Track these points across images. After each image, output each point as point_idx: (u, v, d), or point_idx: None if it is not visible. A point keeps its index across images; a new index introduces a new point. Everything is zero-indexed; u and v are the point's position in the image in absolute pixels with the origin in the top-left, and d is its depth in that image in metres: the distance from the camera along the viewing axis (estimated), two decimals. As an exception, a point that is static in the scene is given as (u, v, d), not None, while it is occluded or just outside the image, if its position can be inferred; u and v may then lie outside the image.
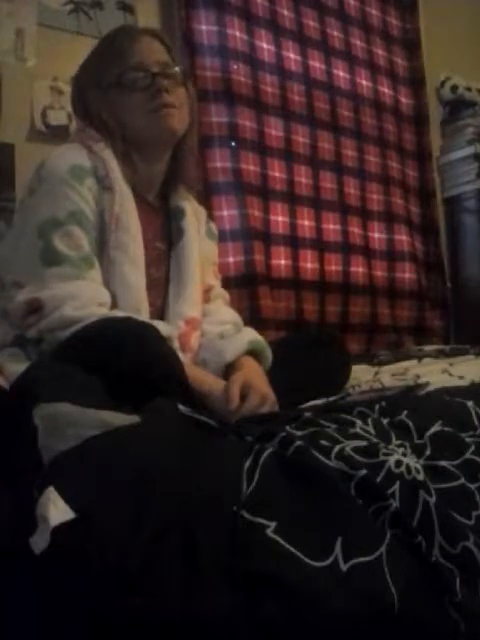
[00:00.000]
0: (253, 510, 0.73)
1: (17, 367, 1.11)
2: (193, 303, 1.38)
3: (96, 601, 0.65)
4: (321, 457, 0.83)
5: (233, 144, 2.22)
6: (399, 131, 2.78)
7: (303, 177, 2.44)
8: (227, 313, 1.50)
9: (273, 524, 0.73)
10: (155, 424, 0.84)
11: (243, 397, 1.15)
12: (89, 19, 2.06)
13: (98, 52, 1.38)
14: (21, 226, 1.24)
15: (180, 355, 1.22)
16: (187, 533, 0.69)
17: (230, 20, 2.26)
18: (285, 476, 0.80)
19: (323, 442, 0.86)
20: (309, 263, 2.42)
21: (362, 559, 0.73)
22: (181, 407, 0.92)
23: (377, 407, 1.02)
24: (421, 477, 0.85)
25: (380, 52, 2.76)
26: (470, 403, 1.08)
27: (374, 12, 2.77)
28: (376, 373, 1.72)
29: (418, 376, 1.53)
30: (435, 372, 1.60)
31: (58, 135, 1.91)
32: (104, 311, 1.18)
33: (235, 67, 2.25)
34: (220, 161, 2.21)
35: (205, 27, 2.22)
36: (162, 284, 1.38)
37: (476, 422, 1.04)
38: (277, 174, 2.37)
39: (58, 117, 1.97)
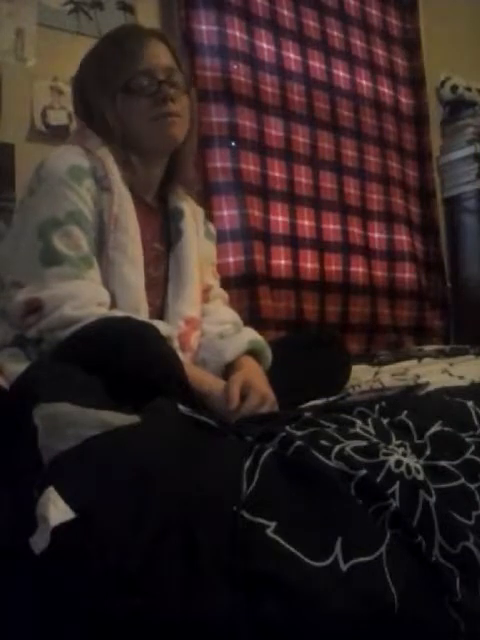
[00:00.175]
0: (253, 510, 0.73)
1: (17, 367, 1.11)
2: (192, 303, 1.38)
3: (96, 601, 0.65)
4: (321, 457, 0.83)
5: (233, 144, 2.23)
6: (399, 131, 2.78)
7: (303, 177, 2.44)
8: (226, 313, 1.50)
9: (273, 524, 0.73)
10: (155, 424, 0.84)
11: (243, 397, 1.15)
12: (89, 19, 2.06)
13: (104, 52, 1.35)
14: (20, 226, 1.25)
15: (180, 355, 1.22)
16: (187, 533, 0.69)
17: (230, 20, 2.26)
18: (285, 476, 0.80)
19: (323, 442, 0.86)
20: (309, 263, 2.42)
21: (362, 559, 0.73)
22: (181, 407, 0.92)
23: (377, 407, 1.02)
24: (421, 477, 0.85)
25: (380, 52, 2.76)
26: (470, 403, 1.08)
27: (374, 12, 2.77)
28: (376, 373, 1.72)
29: (418, 376, 1.53)
30: (435, 372, 1.60)
31: (58, 135, 1.91)
32: (104, 311, 1.18)
33: (235, 67, 2.25)
34: (220, 161, 2.21)
35: (205, 27, 2.22)
36: (161, 284, 1.38)
37: (476, 422, 1.04)
38: (277, 174, 2.37)
39: (58, 117, 1.97)
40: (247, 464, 0.79)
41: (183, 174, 1.45)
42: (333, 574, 0.71)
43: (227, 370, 1.29)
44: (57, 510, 0.67)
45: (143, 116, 1.30)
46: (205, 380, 1.20)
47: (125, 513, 0.68)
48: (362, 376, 1.66)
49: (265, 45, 2.38)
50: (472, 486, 0.91)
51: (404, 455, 0.88)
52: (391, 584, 0.73)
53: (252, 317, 2.08)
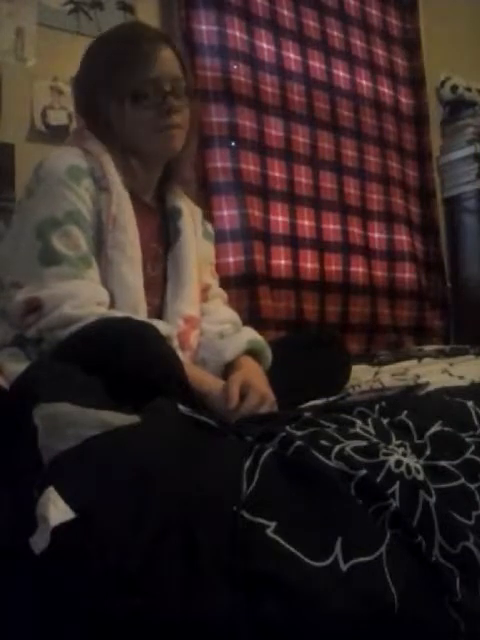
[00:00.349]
0: (253, 510, 0.73)
1: (17, 367, 1.11)
2: (191, 302, 1.38)
3: (96, 601, 0.65)
4: (321, 457, 0.83)
5: (233, 144, 2.22)
6: (399, 131, 2.78)
7: (303, 177, 2.44)
8: (226, 312, 1.50)
9: (273, 524, 0.73)
10: (155, 424, 0.84)
11: (242, 397, 1.15)
12: (89, 19, 2.06)
13: (114, 54, 1.31)
14: (19, 226, 1.25)
15: (179, 354, 1.22)
16: (187, 533, 0.69)
17: (230, 20, 2.26)
18: (285, 476, 0.80)
19: (323, 442, 0.86)
20: (309, 263, 2.42)
21: (362, 559, 0.73)
22: (181, 407, 0.92)
23: (377, 407, 1.02)
24: (421, 477, 0.85)
25: (380, 52, 2.76)
26: (470, 403, 1.08)
27: (374, 12, 2.77)
28: (376, 373, 1.72)
29: (418, 376, 1.53)
30: (435, 372, 1.61)
31: (58, 135, 1.91)
32: (103, 310, 1.18)
33: (235, 67, 2.25)
34: (220, 161, 2.21)
35: (205, 27, 2.22)
36: (159, 283, 1.38)
37: (476, 422, 1.04)
38: (277, 174, 2.37)
39: (58, 117, 1.97)
40: (247, 464, 0.79)
41: (181, 174, 1.45)
42: (333, 574, 0.71)
43: (226, 370, 1.30)
44: (57, 510, 0.67)
45: (146, 126, 1.30)
46: (205, 380, 1.20)
47: (125, 513, 0.68)
48: (362, 376, 1.66)
49: (265, 45, 2.38)
50: (472, 486, 0.91)
51: (404, 455, 0.88)
52: (391, 584, 0.73)
53: (252, 317, 2.08)
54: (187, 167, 1.46)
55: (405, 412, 1.00)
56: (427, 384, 1.31)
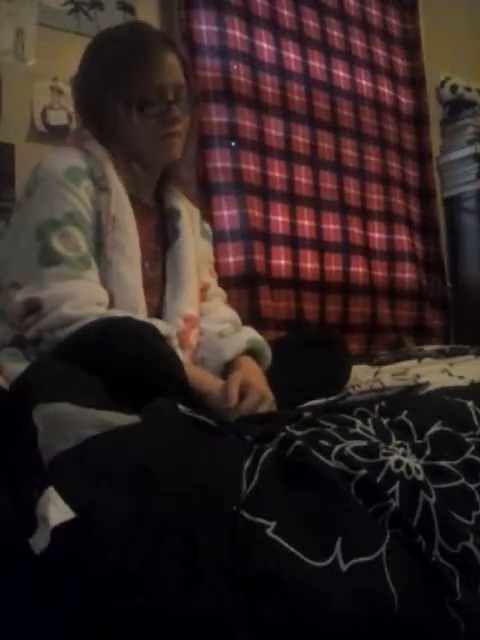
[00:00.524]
0: (253, 510, 0.73)
1: (17, 367, 1.11)
2: (190, 301, 1.39)
3: (96, 601, 0.65)
4: (321, 457, 0.83)
5: (233, 144, 2.22)
6: (399, 131, 2.78)
7: (303, 177, 2.44)
8: (225, 311, 1.50)
9: (273, 524, 0.73)
10: (155, 424, 0.84)
11: (242, 396, 1.15)
12: (89, 19, 2.06)
13: (121, 59, 1.29)
14: (18, 227, 1.25)
15: (179, 353, 1.22)
16: (187, 533, 0.69)
17: (230, 20, 2.26)
18: (285, 476, 0.80)
19: (323, 442, 0.86)
20: (309, 263, 2.42)
21: (362, 559, 0.73)
22: (181, 407, 0.92)
23: (377, 407, 1.02)
24: (421, 477, 0.85)
25: (380, 52, 2.76)
26: (470, 403, 1.08)
27: (374, 12, 2.77)
28: (376, 373, 1.72)
29: (418, 376, 1.53)
30: (435, 372, 1.61)
31: (58, 135, 1.91)
32: (103, 310, 1.19)
33: (235, 67, 2.25)
34: (220, 161, 2.21)
35: (205, 27, 2.22)
36: (158, 283, 1.39)
37: (476, 422, 1.04)
38: (277, 174, 2.37)
39: (58, 117, 1.97)
40: (247, 464, 0.79)
41: (179, 175, 1.46)
42: (333, 574, 0.71)
43: (226, 369, 1.30)
44: (57, 510, 0.67)
45: (149, 133, 1.30)
46: (204, 379, 1.20)
47: (125, 513, 0.68)
48: (362, 376, 1.66)
49: (265, 45, 2.38)
50: (472, 486, 0.91)
51: (404, 455, 0.88)
52: (391, 584, 0.73)
53: (252, 317, 2.08)
54: (185, 168, 1.46)
55: (405, 412, 1.00)
56: (427, 384, 1.31)
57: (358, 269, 2.54)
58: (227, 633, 0.66)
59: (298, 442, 0.84)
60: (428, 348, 2.28)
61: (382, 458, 0.85)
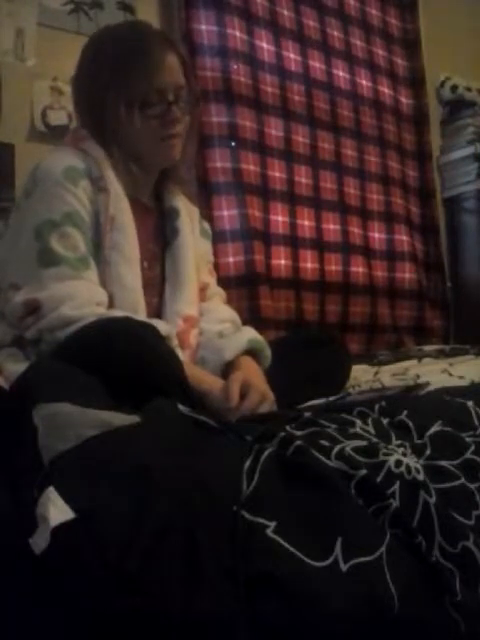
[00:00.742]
0: (253, 510, 0.73)
1: (16, 367, 1.11)
2: (190, 301, 1.38)
3: (96, 601, 0.65)
4: (321, 457, 0.83)
5: (233, 144, 2.23)
6: (399, 131, 2.78)
7: (303, 177, 2.44)
8: (225, 311, 1.50)
9: (273, 524, 0.73)
10: (155, 424, 0.84)
11: (242, 396, 1.15)
12: (89, 19, 2.06)
13: (124, 57, 1.28)
14: (17, 228, 1.25)
15: (179, 353, 1.22)
16: (187, 533, 0.69)
17: (230, 20, 2.26)
18: (285, 476, 0.80)
19: (323, 442, 0.86)
20: (309, 263, 2.42)
21: (362, 559, 0.73)
22: (181, 407, 0.92)
23: (377, 407, 1.02)
24: (421, 477, 0.85)
25: (380, 52, 2.76)
26: (470, 403, 1.08)
27: (374, 12, 2.77)
28: (376, 373, 1.72)
29: (418, 376, 1.53)
30: (435, 372, 1.61)
31: (58, 135, 1.91)
32: (102, 310, 1.19)
33: (235, 67, 2.25)
34: (220, 161, 2.21)
35: (205, 27, 2.23)
36: (158, 283, 1.38)
37: (476, 422, 1.04)
38: (277, 174, 2.37)
39: (58, 117, 1.97)
40: (247, 464, 0.79)
41: (178, 175, 1.46)
42: (333, 574, 0.71)
43: (226, 369, 1.30)
44: (57, 510, 0.67)
45: (149, 134, 1.30)
46: (204, 379, 1.20)
47: (125, 513, 0.68)
48: (362, 376, 1.66)
49: (265, 45, 2.38)
50: (472, 486, 0.91)
51: (404, 455, 0.88)
52: (391, 584, 0.73)
53: (252, 317, 2.08)
54: (184, 168, 1.47)
55: (405, 412, 1.00)
56: (427, 384, 1.31)
57: (358, 269, 2.54)
58: (227, 633, 0.66)
59: (298, 442, 0.84)
60: (428, 348, 2.28)
61: (382, 458, 0.85)
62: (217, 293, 1.55)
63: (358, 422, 0.95)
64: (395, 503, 0.80)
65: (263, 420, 0.99)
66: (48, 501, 0.67)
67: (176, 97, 1.30)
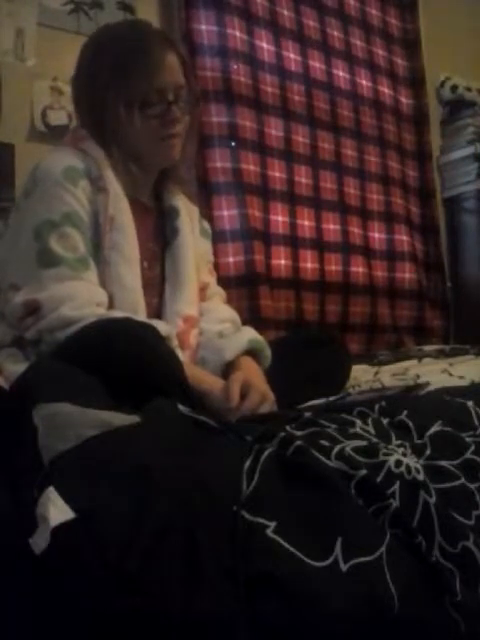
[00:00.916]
0: (253, 510, 0.73)
1: (16, 367, 1.11)
2: (190, 301, 1.38)
3: (96, 601, 0.65)
4: (321, 457, 0.83)
5: (233, 144, 2.23)
6: (399, 131, 2.78)
7: (303, 177, 2.44)
8: (225, 311, 1.50)
9: (273, 524, 0.73)
10: (155, 424, 0.84)
11: (243, 396, 1.15)
12: (89, 19, 2.06)
13: (124, 60, 1.27)
14: (17, 228, 1.24)
15: (179, 353, 1.22)
16: (187, 533, 0.69)
17: (230, 20, 2.26)
18: (285, 476, 0.80)
19: (323, 442, 0.86)
20: (309, 263, 2.42)
21: (362, 559, 0.73)
22: (181, 407, 0.92)
23: (377, 407, 1.02)
24: (421, 477, 0.85)
25: (380, 52, 2.76)
26: (470, 403, 1.08)
27: (374, 12, 2.77)
28: (376, 373, 1.72)
29: (418, 376, 1.53)
30: (435, 372, 1.60)
31: (58, 135, 1.90)
32: (102, 311, 1.18)
33: (235, 67, 2.25)
34: (220, 161, 2.21)
35: (205, 27, 2.22)
36: (158, 283, 1.38)
37: (476, 422, 1.04)
38: (277, 174, 2.37)
39: (58, 117, 1.97)
40: (247, 464, 0.79)
41: (178, 174, 1.46)
42: (333, 574, 0.71)
43: (226, 369, 1.30)
44: (57, 510, 0.67)
45: (148, 134, 1.29)
46: (205, 379, 1.20)
47: (125, 513, 0.68)
48: (362, 376, 1.66)
49: (265, 45, 2.38)
50: (472, 486, 0.91)
51: (404, 455, 0.88)
52: (391, 584, 0.73)
53: (252, 317, 2.08)
54: (184, 168, 1.47)
55: (405, 412, 1.00)
56: (427, 384, 1.31)
57: (358, 269, 2.54)
58: (227, 633, 0.66)
59: (298, 442, 0.84)
60: (428, 348, 2.28)
61: (382, 458, 0.85)
62: (217, 293, 1.55)
63: (358, 422, 0.95)
64: (395, 503, 0.80)
65: (263, 420, 0.99)
66: (48, 501, 0.67)
67: (176, 97, 1.30)
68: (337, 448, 0.85)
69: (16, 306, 1.17)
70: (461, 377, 1.49)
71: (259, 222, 2.26)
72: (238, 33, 2.28)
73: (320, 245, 2.45)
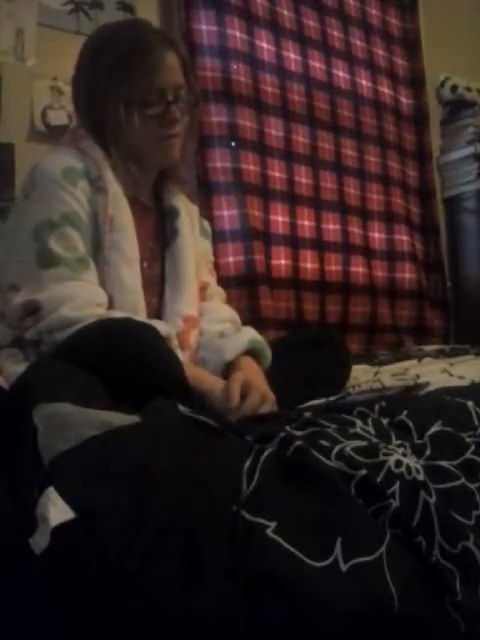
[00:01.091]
0: (253, 510, 0.73)
1: (16, 368, 1.11)
2: (190, 301, 1.38)
3: (96, 601, 0.65)
4: (321, 457, 0.83)
5: (233, 144, 2.22)
6: (399, 131, 2.78)
7: (303, 177, 2.44)
8: (225, 311, 1.50)
9: (273, 524, 0.73)
10: (155, 424, 0.84)
11: (243, 396, 1.15)
12: (89, 19, 2.06)
13: (124, 60, 1.27)
14: (16, 228, 1.24)
15: (179, 353, 1.22)
16: (187, 533, 0.69)
17: (230, 20, 2.26)
18: (285, 476, 0.80)
19: (323, 442, 0.86)
20: (309, 263, 2.42)
21: (362, 559, 0.73)
22: (181, 407, 0.92)
23: (377, 407, 1.02)
24: (421, 477, 0.85)
25: (380, 52, 2.76)
26: (470, 403, 1.08)
27: (374, 12, 2.77)
28: (376, 373, 1.72)
29: (418, 376, 1.53)
30: (435, 372, 1.60)
31: (58, 135, 1.90)
32: (102, 311, 1.19)
33: (235, 67, 2.25)
34: (220, 161, 2.21)
35: (205, 27, 2.22)
36: (157, 283, 1.38)
37: (476, 422, 1.04)
38: (277, 174, 2.37)
39: (58, 117, 1.97)
40: (247, 464, 0.79)
41: (177, 174, 1.46)
42: (333, 574, 0.71)
43: (227, 369, 1.30)
44: (57, 510, 0.67)
45: (148, 134, 1.29)
46: (205, 379, 1.20)
47: (125, 513, 0.68)
48: (362, 376, 1.66)
49: (265, 45, 2.38)
50: (472, 486, 0.91)
51: (404, 455, 0.88)
52: (391, 584, 0.73)
53: (252, 317, 2.08)
54: (184, 168, 1.46)
55: (405, 412, 1.00)
56: (427, 384, 1.31)
57: (358, 269, 2.54)
58: (227, 633, 0.66)
59: (298, 442, 0.84)
60: (428, 348, 2.28)
61: (382, 458, 0.85)
62: (217, 293, 1.55)
63: (358, 422, 0.95)
64: (395, 503, 0.80)
65: (263, 420, 0.99)
66: (48, 501, 0.67)
67: (176, 97, 1.30)
68: (337, 448, 0.85)
69: (16, 307, 1.17)
70: (461, 377, 1.49)
71: (259, 222, 2.26)
72: (238, 33, 2.27)
73: (320, 245, 2.45)
